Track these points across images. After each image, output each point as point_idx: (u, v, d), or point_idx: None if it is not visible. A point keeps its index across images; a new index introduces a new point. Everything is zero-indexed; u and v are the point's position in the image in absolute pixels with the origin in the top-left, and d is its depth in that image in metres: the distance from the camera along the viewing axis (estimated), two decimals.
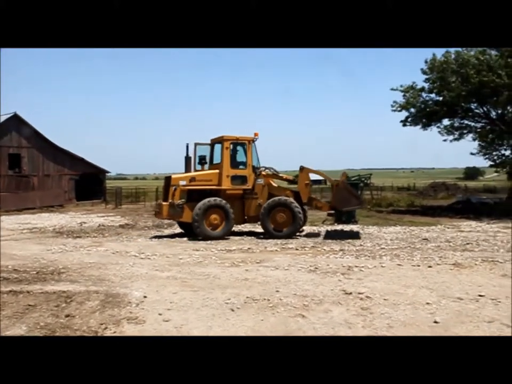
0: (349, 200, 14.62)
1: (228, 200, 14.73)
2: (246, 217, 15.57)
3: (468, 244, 12.67)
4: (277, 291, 7.19)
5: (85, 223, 20.55)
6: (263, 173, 15.49)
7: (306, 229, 16.61)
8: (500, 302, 6.57)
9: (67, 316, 5.95)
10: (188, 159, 15.87)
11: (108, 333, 5.35)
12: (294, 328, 5.47)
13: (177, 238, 14.65)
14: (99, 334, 5.31)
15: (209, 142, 16.14)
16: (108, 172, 42.59)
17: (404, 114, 26.75)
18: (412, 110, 26.08)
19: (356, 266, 9.17)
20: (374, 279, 8.06)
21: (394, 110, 26.31)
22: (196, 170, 15.82)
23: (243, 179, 15.15)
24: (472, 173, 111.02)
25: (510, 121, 25.32)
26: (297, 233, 15.15)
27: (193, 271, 8.98)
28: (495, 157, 31.56)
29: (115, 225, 18.96)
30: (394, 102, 26.39)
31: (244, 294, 7.00)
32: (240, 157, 15.51)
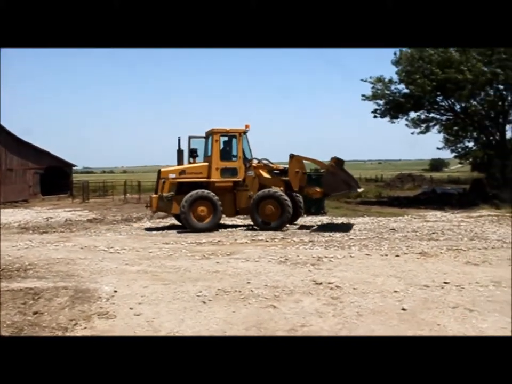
0: (338, 186, 14.52)
1: (218, 193, 14.73)
2: (238, 210, 15.53)
3: (433, 233, 13.00)
4: (248, 283, 7.24)
5: (51, 218, 20.11)
6: (254, 164, 15.39)
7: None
8: (463, 288, 6.81)
9: (35, 313, 5.84)
10: (180, 152, 15.87)
11: (78, 329, 5.29)
12: (265, 319, 5.53)
13: (146, 232, 14.53)
14: (69, 331, 5.23)
15: (203, 135, 16.09)
16: (74, 166, 41.76)
17: (375, 106, 27.16)
18: (380, 102, 26.47)
19: (326, 257, 9.30)
20: (344, 269, 8.20)
21: (364, 100, 26.65)
22: (189, 163, 15.78)
23: (233, 171, 15.10)
24: (437, 165, 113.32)
25: (473, 114, 25.99)
26: (293, 225, 15.22)
27: (163, 264, 8.93)
28: (459, 149, 32.43)
29: (83, 220, 18.63)
30: (363, 95, 26.73)
31: (215, 286, 7.02)
32: (231, 149, 15.42)
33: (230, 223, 16.71)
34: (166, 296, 6.60)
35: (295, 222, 15.89)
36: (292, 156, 15.10)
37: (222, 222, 16.57)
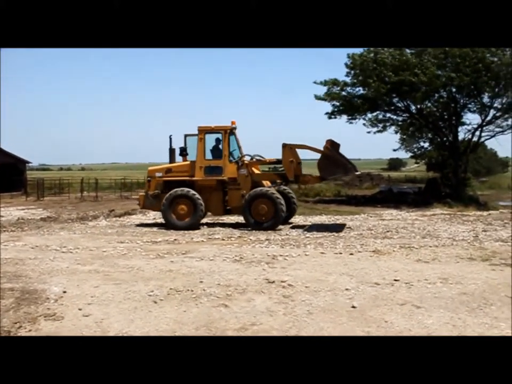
0: (334, 170, 14.29)
1: (202, 191, 14.62)
2: (229, 208, 15.29)
3: (388, 231, 13.27)
4: (201, 282, 7.19)
5: (2, 216, 19.35)
6: (246, 161, 15.10)
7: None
8: (412, 285, 6.97)
9: None
10: (171, 150, 15.75)
11: (23, 332, 5.11)
12: (216, 318, 5.50)
13: (101, 230, 14.24)
14: (12, 334, 5.06)
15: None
16: (28, 162, 40.57)
17: (330, 106, 27.42)
18: (336, 102, 26.74)
19: (281, 255, 9.35)
20: (297, 268, 8.26)
21: (318, 99, 26.83)
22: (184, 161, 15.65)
23: (218, 170, 14.81)
24: (395, 164, 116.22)
25: (427, 116, 26.71)
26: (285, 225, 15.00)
27: (116, 263, 8.77)
28: (415, 149, 33.40)
29: (36, 218, 18.04)
30: (315, 95, 26.94)
31: (167, 286, 6.94)
32: (216, 147, 15.16)
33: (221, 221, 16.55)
34: (117, 296, 6.48)
35: (289, 221, 15.70)
36: (284, 146, 14.69)
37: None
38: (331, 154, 14.24)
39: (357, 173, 16.64)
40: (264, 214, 14.14)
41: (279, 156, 14.99)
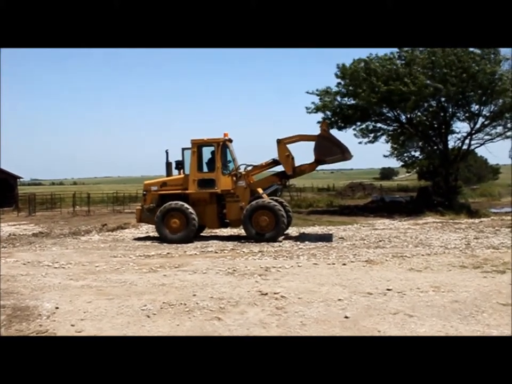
0: (331, 150, 14.12)
1: (197, 204, 14.66)
2: (227, 221, 15.25)
3: (380, 241, 13.32)
4: (194, 295, 7.18)
5: None
6: (243, 172, 15.04)
7: None
8: (405, 294, 7.00)
9: None
10: (168, 164, 15.77)
11: None
12: (209, 331, 5.50)
13: (94, 245, 14.18)
14: None
15: None
16: (19, 178, 40.37)
17: (321, 115, 27.56)
18: (328, 112, 26.91)
19: (274, 267, 9.35)
20: (290, 279, 8.27)
21: (310, 112, 27.01)
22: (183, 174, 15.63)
23: (211, 182, 14.75)
24: (387, 173, 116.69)
25: (417, 125, 26.93)
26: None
27: (109, 278, 8.73)
28: (406, 158, 33.61)
29: (27, 234, 17.91)
30: (312, 103, 27.12)
31: (160, 300, 6.92)
32: (212, 159, 15.08)
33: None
34: (110, 311, 6.45)
35: (285, 232, 15.54)
36: (278, 141, 14.58)
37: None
38: (328, 135, 14.18)
39: (351, 157, 16.27)
40: (265, 226, 14.06)
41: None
